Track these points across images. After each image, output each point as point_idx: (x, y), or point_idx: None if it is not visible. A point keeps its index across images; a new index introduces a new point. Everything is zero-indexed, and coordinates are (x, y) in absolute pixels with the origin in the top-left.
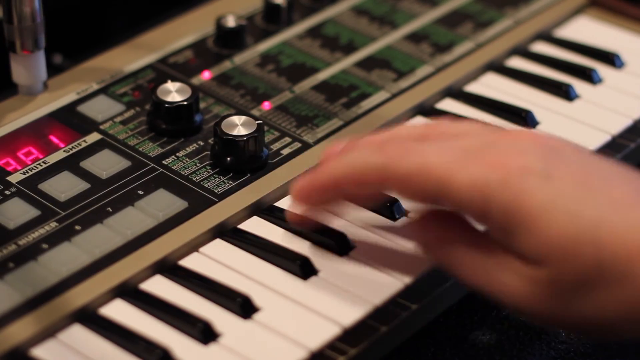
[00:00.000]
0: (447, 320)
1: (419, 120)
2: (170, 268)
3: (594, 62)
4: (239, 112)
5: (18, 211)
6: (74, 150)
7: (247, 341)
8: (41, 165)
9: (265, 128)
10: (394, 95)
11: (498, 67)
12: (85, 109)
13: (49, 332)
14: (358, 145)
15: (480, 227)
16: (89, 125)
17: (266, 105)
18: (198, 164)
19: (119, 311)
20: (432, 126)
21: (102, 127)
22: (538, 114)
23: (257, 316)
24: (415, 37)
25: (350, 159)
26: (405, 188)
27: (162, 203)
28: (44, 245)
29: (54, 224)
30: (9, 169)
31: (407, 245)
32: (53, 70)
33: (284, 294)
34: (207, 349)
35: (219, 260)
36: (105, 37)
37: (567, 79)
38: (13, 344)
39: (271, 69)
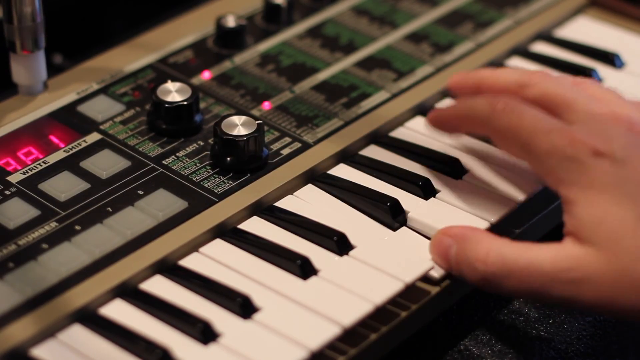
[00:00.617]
0: (447, 320)
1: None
2: (170, 268)
3: (594, 62)
4: (239, 112)
5: (18, 211)
6: (74, 150)
7: (247, 341)
8: (41, 165)
9: (265, 128)
10: (394, 95)
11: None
12: (85, 109)
13: (49, 332)
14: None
15: None
16: (89, 125)
17: (266, 105)
18: (198, 164)
19: (119, 311)
20: (570, 89)
21: (102, 127)
22: None
23: (257, 316)
24: (415, 37)
25: (469, 104)
26: (499, 141)
27: (162, 203)
28: (44, 245)
29: (54, 224)
30: (9, 169)
31: (407, 245)
32: (53, 70)
33: (284, 294)
34: (207, 349)
35: (219, 260)
36: (105, 37)
37: None
38: (13, 344)
39: (271, 69)
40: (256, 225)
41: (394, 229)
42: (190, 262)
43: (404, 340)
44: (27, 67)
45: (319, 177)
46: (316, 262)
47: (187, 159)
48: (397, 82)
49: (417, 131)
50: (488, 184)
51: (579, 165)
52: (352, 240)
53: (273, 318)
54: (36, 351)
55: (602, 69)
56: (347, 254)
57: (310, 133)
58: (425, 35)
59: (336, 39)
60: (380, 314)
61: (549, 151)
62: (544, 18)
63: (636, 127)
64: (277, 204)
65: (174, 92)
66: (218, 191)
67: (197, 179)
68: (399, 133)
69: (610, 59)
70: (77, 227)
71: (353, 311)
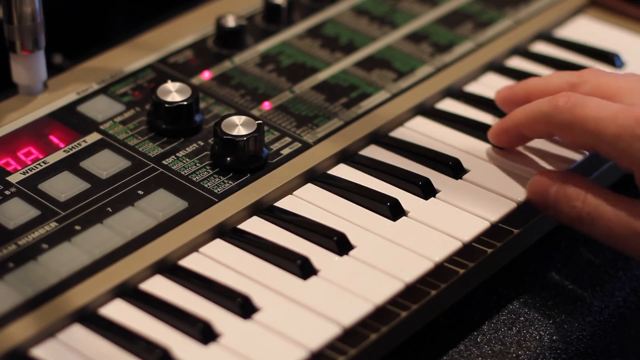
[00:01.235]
0: (447, 320)
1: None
2: (170, 268)
3: (594, 62)
4: (239, 112)
5: (18, 211)
6: (74, 150)
7: (247, 341)
8: (41, 165)
9: (265, 128)
10: (394, 95)
11: (498, 67)
12: (85, 109)
13: (49, 332)
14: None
15: None
16: (89, 125)
17: (266, 105)
18: (198, 164)
19: (119, 311)
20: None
21: (102, 127)
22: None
23: (257, 316)
24: (415, 37)
25: (528, 108)
26: (565, 135)
27: (162, 203)
28: (44, 245)
29: (54, 224)
30: (9, 169)
31: (407, 245)
32: (53, 70)
33: (284, 294)
34: (207, 349)
35: (219, 260)
36: (105, 37)
37: None
38: (13, 344)
39: (271, 69)
40: (256, 225)
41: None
42: (190, 262)
43: (404, 340)
44: (27, 67)
45: (319, 177)
46: (316, 262)
47: (187, 159)
48: (397, 82)
49: (417, 131)
50: (488, 184)
51: None
52: (352, 240)
53: (273, 318)
54: (36, 351)
55: (602, 68)
56: (347, 254)
57: (310, 133)
58: (425, 35)
59: (336, 39)
60: (380, 314)
61: (619, 134)
62: (544, 18)
63: None
64: (277, 204)
65: (174, 92)
66: (218, 191)
67: (197, 179)
68: (399, 133)
69: (610, 59)
70: (77, 227)
71: (353, 311)
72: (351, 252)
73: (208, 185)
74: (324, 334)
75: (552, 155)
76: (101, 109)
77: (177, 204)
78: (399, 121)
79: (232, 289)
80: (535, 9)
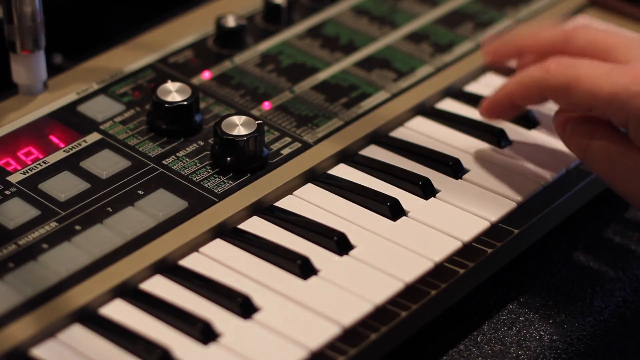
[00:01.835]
0: (447, 320)
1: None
2: (170, 268)
3: None
4: (239, 112)
5: (18, 211)
6: (74, 150)
7: (247, 341)
8: (41, 165)
9: (265, 128)
10: (394, 95)
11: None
12: (85, 109)
13: (49, 332)
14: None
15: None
16: (89, 125)
17: (266, 105)
18: (198, 164)
19: (119, 311)
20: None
21: (102, 127)
22: (538, 114)
23: (257, 316)
24: (415, 37)
25: (518, 77)
26: (561, 98)
27: (162, 203)
28: (44, 245)
29: (54, 224)
30: (9, 169)
31: (407, 245)
32: (53, 70)
33: (284, 294)
34: (207, 349)
35: (219, 260)
36: (105, 37)
37: None
38: (13, 344)
39: (271, 69)
40: (256, 225)
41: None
42: (190, 262)
43: (404, 340)
44: (27, 67)
45: (319, 177)
46: (316, 262)
47: (187, 159)
48: (397, 82)
49: (417, 131)
50: (488, 183)
51: None
52: (352, 240)
53: (273, 318)
54: (36, 351)
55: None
56: (347, 254)
57: (310, 133)
58: (425, 35)
59: (336, 39)
60: (380, 314)
61: (614, 92)
62: (544, 18)
63: None
64: (277, 203)
65: (174, 92)
66: (218, 191)
67: (197, 179)
68: (399, 133)
69: None
70: (77, 227)
71: (353, 311)
72: (351, 252)
73: (208, 185)
74: (324, 333)
75: (552, 155)
76: (101, 109)
77: (177, 204)
78: (399, 121)
79: (232, 289)
80: (535, 9)
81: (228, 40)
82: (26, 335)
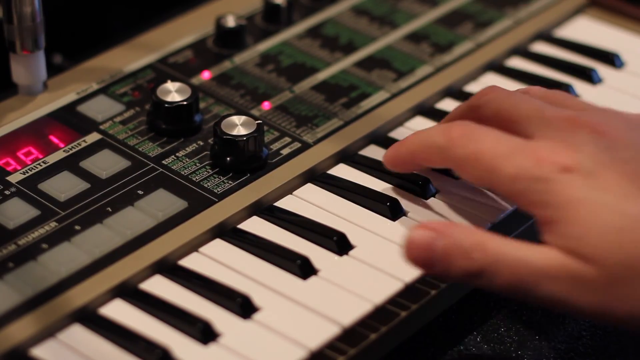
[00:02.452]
0: (447, 320)
1: (421, 121)
2: (170, 268)
3: (594, 62)
4: (239, 112)
5: (18, 211)
6: (74, 150)
7: (247, 341)
8: (41, 165)
9: (265, 128)
10: (394, 95)
11: (498, 67)
12: (85, 109)
13: (49, 332)
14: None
15: None
16: (89, 125)
17: (266, 105)
18: (198, 164)
19: (119, 311)
20: (519, 105)
21: (102, 127)
22: None
23: (257, 316)
24: (415, 37)
25: (422, 137)
26: (461, 171)
27: (162, 203)
28: (44, 245)
29: (53, 224)
30: (9, 169)
31: None
32: (53, 70)
33: (284, 294)
34: (207, 349)
35: (219, 260)
36: (105, 37)
37: (567, 79)
38: (13, 344)
39: (271, 69)
40: (256, 225)
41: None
42: (190, 262)
43: (404, 340)
44: (27, 67)
45: (318, 177)
46: (316, 262)
47: (187, 159)
48: (397, 82)
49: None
50: None
51: (549, 185)
52: (352, 240)
53: (273, 318)
54: (36, 351)
55: (602, 68)
56: (347, 254)
57: (310, 133)
58: (425, 35)
59: (336, 39)
60: (380, 314)
61: (515, 175)
62: (544, 18)
63: (599, 127)
64: (277, 204)
65: (173, 92)
66: (218, 191)
67: (197, 179)
68: (399, 133)
69: (610, 59)
70: (77, 227)
71: (353, 311)
72: (351, 252)
73: (208, 185)
74: (323, 333)
75: None
76: (101, 109)
77: (177, 204)
78: (399, 121)
79: (232, 289)
80: (535, 9)
81: (228, 40)
82: (26, 335)
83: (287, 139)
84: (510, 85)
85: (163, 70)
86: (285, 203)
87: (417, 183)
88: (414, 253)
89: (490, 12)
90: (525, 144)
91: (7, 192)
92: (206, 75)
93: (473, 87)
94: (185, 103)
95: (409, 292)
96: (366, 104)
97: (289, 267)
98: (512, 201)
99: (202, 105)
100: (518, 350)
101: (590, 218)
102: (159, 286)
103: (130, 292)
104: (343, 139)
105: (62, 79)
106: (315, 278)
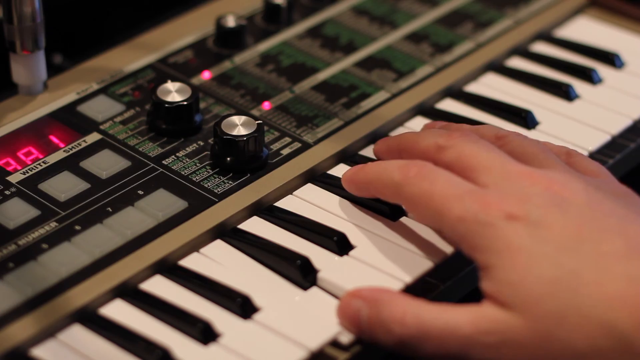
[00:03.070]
0: None
1: (420, 121)
2: (170, 268)
3: (594, 62)
4: (239, 112)
5: (18, 211)
6: (74, 150)
7: (247, 341)
8: (41, 165)
9: (265, 128)
10: (394, 95)
11: (498, 67)
12: (85, 109)
13: (49, 332)
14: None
15: None
16: (89, 125)
17: (266, 105)
18: (198, 164)
19: (119, 311)
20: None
21: (102, 127)
22: (538, 114)
23: (257, 316)
24: (415, 37)
25: (381, 169)
26: (411, 209)
27: (162, 203)
28: (44, 245)
29: (54, 224)
30: (9, 169)
31: (407, 245)
32: (53, 70)
33: (284, 294)
34: (207, 349)
35: (219, 260)
36: (105, 37)
37: (567, 79)
38: (13, 344)
39: (271, 69)
40: (256, 225)
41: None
42: (190, 262)
43: None
44: (27, 67)
45: (319, 177)
46: (316, 262)
47: (187, 159)
48: (397, 82)
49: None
50: None
51: (492, 230)
52: (352, 240)
53: (273, 318)
54: (36, 351)
55: (602, 69)
56: (347, 254)
57: (310, 133)
58: (425, 35)
59: (336, 39)
60: None
61: (462, 217)
62: (544, 18)
63: (554, 185)
64: (277, 204)
65: (174, 92)
66: (218, 191)
67: (197, 179)
68: (399, 133)
69: (610, 59)
70: (77, 227)
71: None
72: (351, 252)
73: (208, 185)
74: (324, 334)
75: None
76: (101, 109)
77: (177, 204)
78: (399, 121)
79: (232, 289)
80: (535, 9)
81: (228, 40)
82: (26, 335)
83: (287, 139)
84: (511, 85)
85: (163, 70)
86: (286, 203)
87: None
88: (344, 321)
89: (490, 12)
90: (476, 189)
91: (7, 192)
92: (206, 75)
93: (473, 87)
94: (185, 103)
95: (409, 292)
96: (366, 104)
97: (289, 268)
98: (456, 244)
99: (202, 105)
100: None
101: (526, 266)
102: (159, 286)
103: (130, 292)
104: (343, 139)
105: (62, 79)
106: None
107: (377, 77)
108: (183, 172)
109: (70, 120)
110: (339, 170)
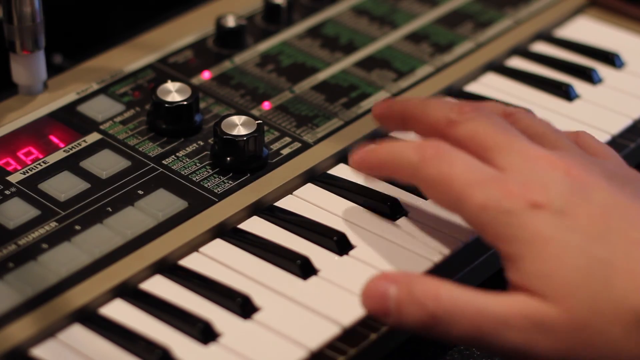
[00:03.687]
0: None
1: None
2: (170, 268)
3: (594, 62)
4: (239, 112)
5: (18, 211)
6: (74, 150)
7: (247, 341)
8: (41, 165)
9: (265, 128)
10: (394, 95)
11: (498, 67)
12: (85, 109)
13: (49, 332)
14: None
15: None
16: (89, 125)
17: (266, 105)
18: (198, 164)
19: (119, 311)
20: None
21: (102, 127)
22: (538, 114)
23: (257, 316)
24: (415, 37)
25: (395, 149)
26: (429, 192)
27: (162, 203)
28: (44, 245)
29: (53, 224)
30: (9, 169)
31: (407, 245)
32: (53, 70)
33: (284, 294)
34: (207, 349)
35: (219, 260)
36: (105, 37)
37: (567, 79)
38: (13, 344)
39: (271, 69)
40: (256, 225)
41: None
42: (190, 262)
43: (404, 340)
44: (27, 67)
45: (319, 177)
46: (316, 262)
47: (187, 159)
48: (397, 82)
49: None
50: None
51: (517, 219)
52: (352, 240)
53: (273, 318)
54: (36, 351)
55: (602, 69)
56: (347, 254)
57: (310, 133)
58: (425, 35)
59: (336, 39)
60: None
61: (484, 205)
62: (544, 18)
63: (573, 170)
64: (277, 203)
65: (174, 92)
66: (218, 191)
67: (197, 179)
68: (399, 133)
69: (610, 59)
70: (77, 227)
71: (353, 311)
72: (351, 252)
73: (208, 185)
74: (324, 333)
75: None
76: (101, 109)
77: (177, 204)
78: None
79: (232, 289)
80: (535, 9)
81: (228, 40)
82: (26, 335)
83: (287, 139)
84: (511, 85)
85: (163, 70)
86: (285, 203)
87: None
88: (370, 303)
89: (490, 12)
90: (497, 175)
91: (7, 192)
92: (206, 75)
93: (473, 87)
94: (185, 103)
95: None
96: (366, 104)
97: (289, 267)
98: (478, 232)
99: (202, 105)
100: None
101: (557, 257)
102: (159, 286)
103: (130, 292)
104: (343, 139)
105: (62, 79)
106: (316, 278)
107: (377, 77)
108: (183, 172)
109: (70, 120)
110: (339, 170)
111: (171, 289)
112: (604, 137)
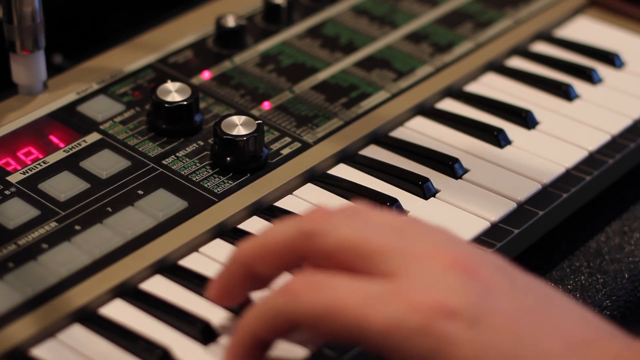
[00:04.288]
0: None
1: (420, 121)
2: (170, 268)
3: (594, 62)
4: (239, 112)
5: (18, 211)
6: (74, 150)
7: None
8: (41, 165)
9: (265, 128)
10: (394, 95)
11: (498, 67)
12: (85, 109)
13: (49, 332)
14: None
15: None
16: (89, 125)
17: (266, 105)
18: (198, 164)
19: (119, 311)
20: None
21: (102, 127)
22: (538, 114)
23: None
24: (415, 37)
25: (257, 309)
26: (316, 330)
27: (162, 203)
28: (44, 245)
29: (53, 224)
30: (9, 169)
31: None
32: (53, 70)
33: None
34: (207, 349)
35: (219, 260)
36: (105, 37)
37: (567, 79)
38: (13, 344)
39: (271, 69)
40: (256, 225)
41: None
42: (190, 262)
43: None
44: (27, 67)
45: (318, 177)
46: None
47: (187, 159)
48: (397, 82)
49: (417, 131)
50: (488, 183)
51: (433, 337)
52: None
53: None
54: (36, 351)
55: (602, 69)
56: None
57: (310, 133)
58: (425, 35)
59: (336, 39)
60: None
61: (389, 325)
62: (544, 18)
63: (464, 265)
64: (277, 203)
65: (173, 92)
66: (218, 191)
67: (197, 179)
68: (399, 133)
69: (610, 59)
70: (77, 227)
71: None
72: None
73: (208, 185)
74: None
75: (552, 155)
76: (101, 109)
77: (177, 204)
78: (399, 121)
79: None
80: (535, 9)
81: (228, 40)
82: (26, 335)
83: (287, 139)
84: (511, 85)
85: (163, 70)
86: (285, 203)
87: (417, 183)
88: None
89: (490, 12)
90: (390, 286)
91: (7, 192)
92: (206, 75)
93: (473, 87)
94: (185, 103)
95: None
96: (366, 104)
97: None
98: (387, 358)
99: (202, 105)
100: None
101: None
102: (159, 286)
103: (130, 292)
104: (343, 139)
105: (62, 79)
106: None
107: (377, 77)
108: (183, 172)
109: (70, 120)
110: (339, 170)
111: (171, 289)
112: (604, 137)
